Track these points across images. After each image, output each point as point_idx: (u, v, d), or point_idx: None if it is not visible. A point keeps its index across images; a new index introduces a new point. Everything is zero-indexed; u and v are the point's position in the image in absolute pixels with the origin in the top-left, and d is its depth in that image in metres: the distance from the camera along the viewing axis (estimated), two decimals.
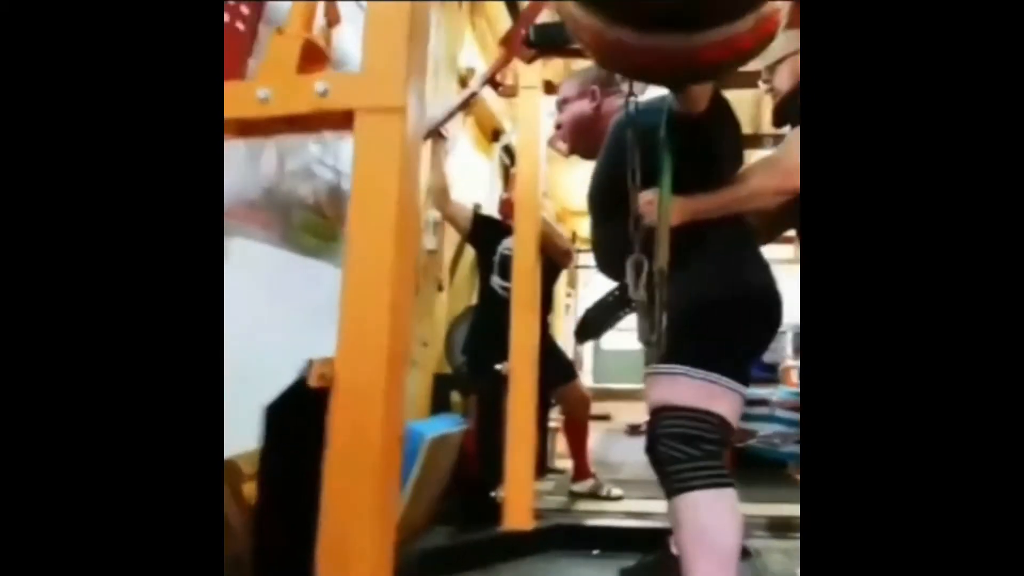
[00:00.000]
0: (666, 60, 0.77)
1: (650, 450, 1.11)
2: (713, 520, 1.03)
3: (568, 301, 5.02)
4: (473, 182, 2.81)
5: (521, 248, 1.90)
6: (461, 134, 2.45)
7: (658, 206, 1.05)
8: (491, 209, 2.63)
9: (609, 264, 1.32)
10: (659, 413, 1.10)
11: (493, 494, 1.80)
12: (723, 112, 1.10)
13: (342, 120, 0.94)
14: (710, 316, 1.12)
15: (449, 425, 1.96)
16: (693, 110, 1.03)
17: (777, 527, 1.98)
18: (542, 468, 2.80)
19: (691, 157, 1.08)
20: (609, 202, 1.22)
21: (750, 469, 2.56)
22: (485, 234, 2.32)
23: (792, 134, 1.23)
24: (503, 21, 2.57)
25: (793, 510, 2.06)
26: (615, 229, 1.16)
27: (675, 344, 1.09)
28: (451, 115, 2.10)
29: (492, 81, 2.13)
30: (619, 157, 1.14)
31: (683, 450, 1.05)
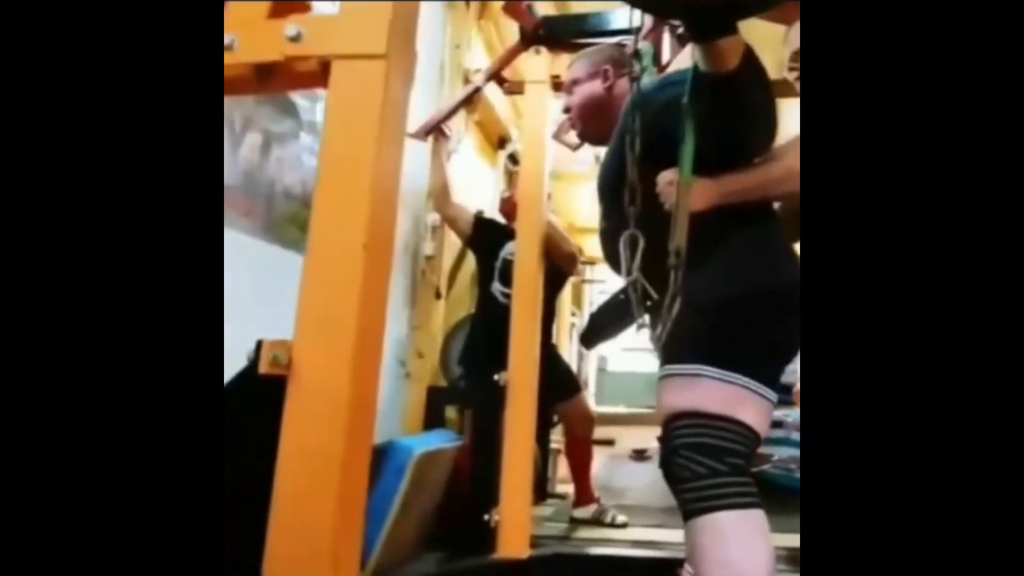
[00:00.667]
0: None
1: (665, 465, 0.96)
2: (739, 548, 0.88)
3: (573, 320, 4.87)
4: (476, 190, 2.70)
5: (524, 249, 1.78)
6: (466, 138, 2.34)
7: (679, 177, 0.91)
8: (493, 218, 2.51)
9: (616, 256, 1.20)
10: (675, 421, 0.96)
11: (487, 517, 1.65)
12: (756, 71, 0.95)
13: (318, 74, 0.83)
14: (736, 313, 0.98)
15: (442, 441, 1.82)
16: (723, 68, 0.88)
17: (796, 560, 1.80)
18: (542, 493, 2.63)
19: (720, 124, 0.94)
20: (618, 192, 1.10)
21: (764, 496, 2.39)
22: (487, 238, 2.20)
23: None
24: (510, 23, 2.49)
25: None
26: (621, 219, 1.04)
27: (695, 342, 0.97)
28: (454, 111, 2.00)
29: (498, 77, 2.03)
30: (637, 132, 1.02)
31: (705, 463, 0.91)
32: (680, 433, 0.94)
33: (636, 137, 0.97)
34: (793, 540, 1.92)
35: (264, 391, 0.72)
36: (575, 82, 1.37)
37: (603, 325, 1.09)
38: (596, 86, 1.33)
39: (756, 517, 0.90)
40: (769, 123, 1.05)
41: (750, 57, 0.90)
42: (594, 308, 1.18)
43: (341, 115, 0.80)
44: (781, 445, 2.73)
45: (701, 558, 0.90)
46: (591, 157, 2.96)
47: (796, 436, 2.71)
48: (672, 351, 0.99)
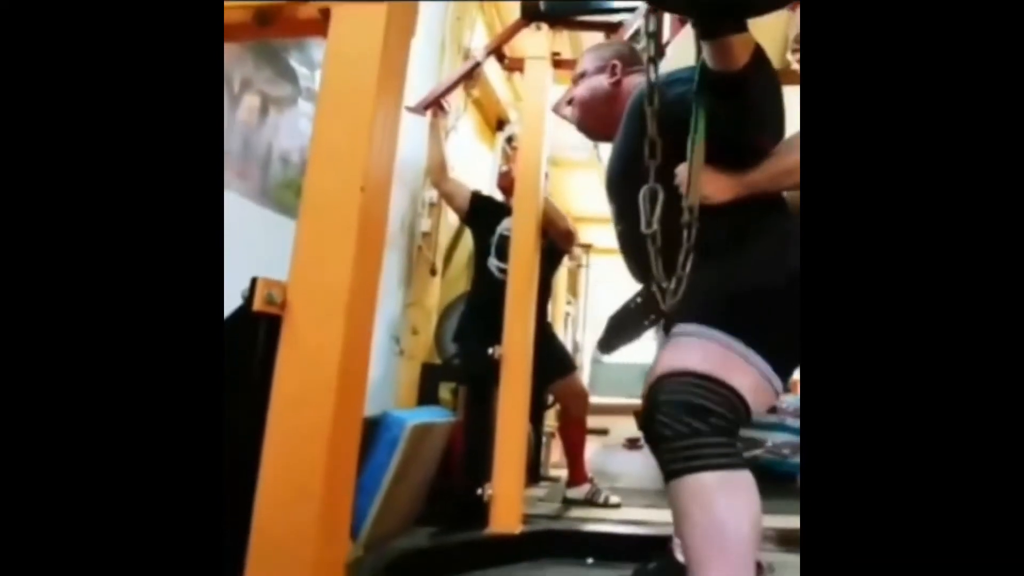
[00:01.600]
0: None
1: (646, 422, 0.93)
2: (726, 510, 0.85)
3: (568, 309, 4.87)
4: (474, 172, 2.69)
5: (521, 224, 1.78)
6: (464, 117, 2.33)
7: (690, 137, 0.91)
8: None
9: (635, 258, 1.19)
10: (661, 380, 0.94)
11: (480, 491, 1.64)
12: (765, 69, 0.94)
13: (318, 21, 0.82)
14: (746, 300, 0.98)
15: (435, 416, 1.81)
16: (732, 66, 0.87)
17: (791, 540, 1.81)
18: (535, 475, 2.63)
19: (729, 121, 0.94)
20: (631, 189, 1.09)
21: (758, 481, 2.40)
22: (484, 215, 2.20)
23: None
24: (512, 4, 2.47)
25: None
26: (637, 218, 1.04)
27: (708, 308, 0.97)
28: (453, 86, 1.99)
29: (498, 52, 2.02)
30: (639, 135, 1.01)
31: (687, 422, 0.87)
32: (664, 389, 0.92)
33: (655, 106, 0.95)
34: (788, 522, 1.94)
35: (255, 331, 0.72)
36: (582, 75, 1.36)
37: (620, 330, 1.07)
38: (602, 80, 1.32)
39: (740, 478, 0.87)
40: (778, 119, 1.05)
41: (759, 54, 0.89)
42: (603, 312, 1.16)
43: (340, 61, 0.79)
44: (775, 431, 2.73)
45: (684, 519, 0.87)
46: (589, 144, 2.96)
47: (790, 422, 2.71)
48: (683, 316, 0.99)
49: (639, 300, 1.07)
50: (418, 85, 2.04)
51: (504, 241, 1.97)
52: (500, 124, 3.01)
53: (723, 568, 0.83)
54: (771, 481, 2.60)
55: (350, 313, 0.72)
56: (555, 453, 2.99)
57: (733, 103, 0.92)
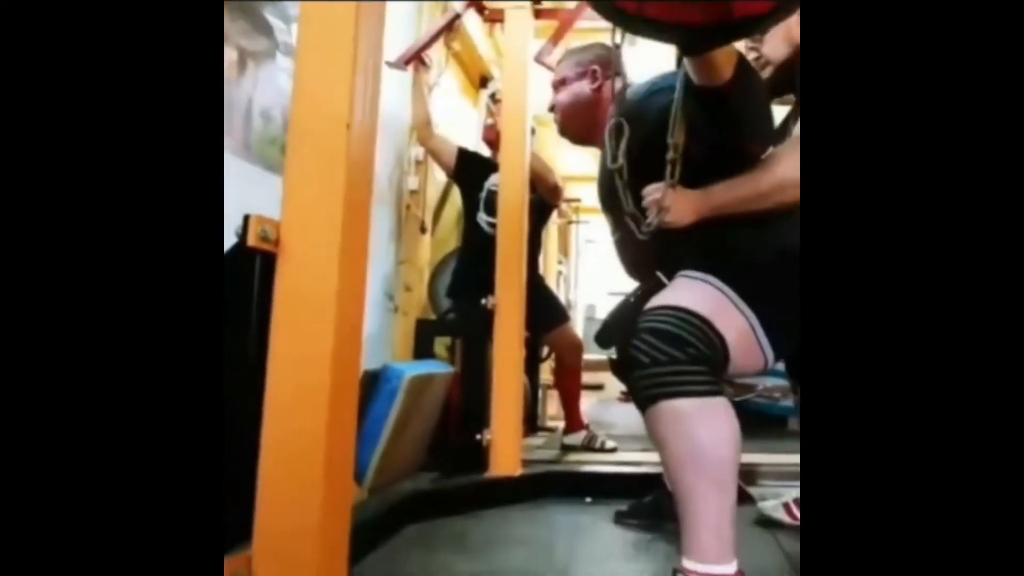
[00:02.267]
0: (692, 10, 0.64)
1: (624, 349, 0.93)
2: (704, 435, 0.85)
3: (560, 268, 4.89)
4: (459, 130, 2.67)
5: (508, 176, 1.78)
6: (447, 72, 2.30)
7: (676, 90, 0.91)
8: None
9: (633, 263, 1.24)
10: (646, 312, 0.95)
11: (479, 437, 1.69)
12: (751, 81, 0.94)
13: None
14: (741, 264, 1.00)
15: (433, 368, 1.85)
16: (715, 81, 0.87)
17: (782, 476, 1.88)
18: (533, 426, 2.69)
19: (713, 134, 0.95)
20: (622, 204, 1.09)
21: (750, 424, 2.47)
22: (471, 171, 2.19)
23: None
24: None
25: (794, 459, 1.97)
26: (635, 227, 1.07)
27: (712, 259, 0.99)
28: (434, 39, 1.96)
29: (477, 4, 1.99)
30: (630, 146, 1.02)
31: (664, 350, 0.88)
32: (646, 319, 0.93)
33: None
34: (779, 459, 2.00)
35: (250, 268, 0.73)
36: (563, 81, 1.36)
37: (617, 327, 1.08)
38: (584, 86, 1.32)
39: (717, 403, 0.88)
40: (764, 130, 1.05)
41: (743, 65, 0.88)
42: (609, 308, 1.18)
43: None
44: (767, 375, 2.80)
45: (664, 447, 0.88)
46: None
47: (779, 366, 2.77)
48: (685, 265, 1.02)
49: (635, 297, 1.08)
50: (398, 41, 2.01)
51: (492, 196, 1.98)
52: (484, 81, 2.98)
53: (706, 491, 0.85)
54: (764, 423, 2.69)
55: (344, 249, 0.74)
56: (552, 406, 3.05)
57: (720, 114, 0.93)
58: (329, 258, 0.73)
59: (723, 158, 1.01)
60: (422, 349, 2.02)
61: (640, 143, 0.98)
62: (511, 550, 1.26)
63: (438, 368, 1.87)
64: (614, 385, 4.81)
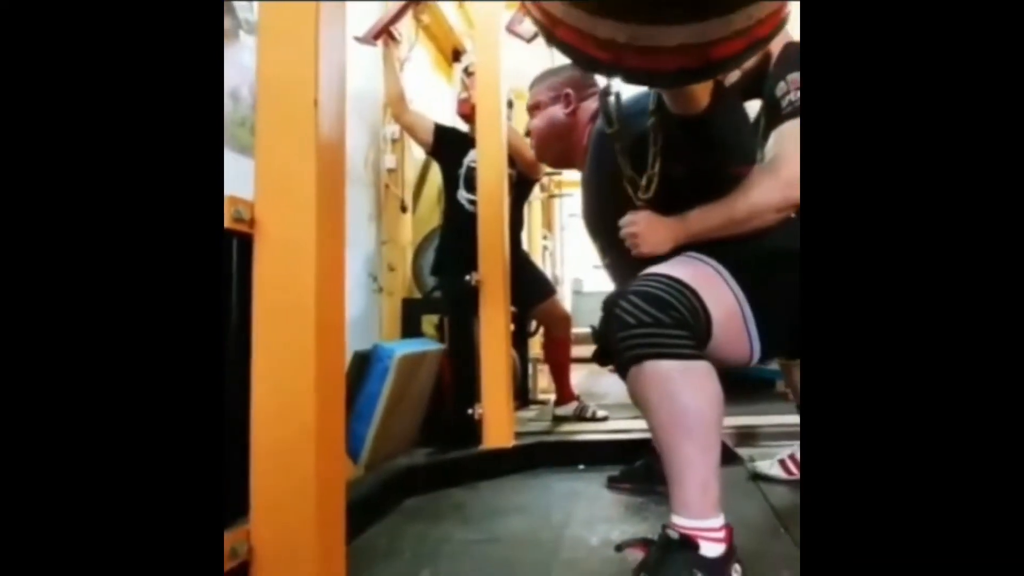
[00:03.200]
0: (668, 59, 0.62)
1: (608, 309, 0.93)
2: (687, 396, 0.86)
3: (546, 243, 4.89)
4: (435, 108, 2.64)
5: (486, 151, 1.77)
6: (418, 46, 2.26)
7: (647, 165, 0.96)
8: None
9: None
10: (635, 279, 0.95)
11: (470, 411, 1.71)
12: (728, 105, 0.93)
13: None
14: (735, 265, 0.99)
15: (424, 346, 1.85)
16: (693, 110, 0.87)
17: (773, 436, 1.92)
18: (524, 399, 2.72)
19: (693, 161, 0.95)
20: (612, 223, 1.09)
21: (739, 388, 2.51)
22: (449, 147, 2.17)
23: (784, 131, 1.05)
24: None
25: (783, 419, 2.02)
26: (624, 248, 1.07)
27: (712, 249, 1.00)
28: (402, 11, 1.92)
29: None
30: (613, 169, 1.03)
31: (648, 311, 0.88)
32: (634, 284, 0.93)
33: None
34: (767, 420, 2.04)
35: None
36: (536, 106, 1.34)
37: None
38: (557, 111, 1.31)
39: (699, 366, 0.88)
40: (745, 150, 1.04)
41: (719, 92, 0.88)
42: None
43: None
44: None
45: (648, 409, 0.89)
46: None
47: None
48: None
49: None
50: (367, 15, 1.97)
51: (472, 173, 1.96)
52: (456, 55, 2.93)
53: (690, 451, 0.85)
54: (750, 386, 2.73)
55: (321, 225, 0.73)
56: (543, 380, 3.08)
57: (699, 139, 0.93)
58: (306, 235, 0.73)
59: (705, 179, 1.01)
60: (409, 328, 2.03)
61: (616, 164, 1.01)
62: (509, 517, 1.28)
63: (428, 346, 1.88)
64: None
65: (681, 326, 0.88)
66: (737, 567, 0.85)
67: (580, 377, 3.77)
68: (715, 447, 0.87)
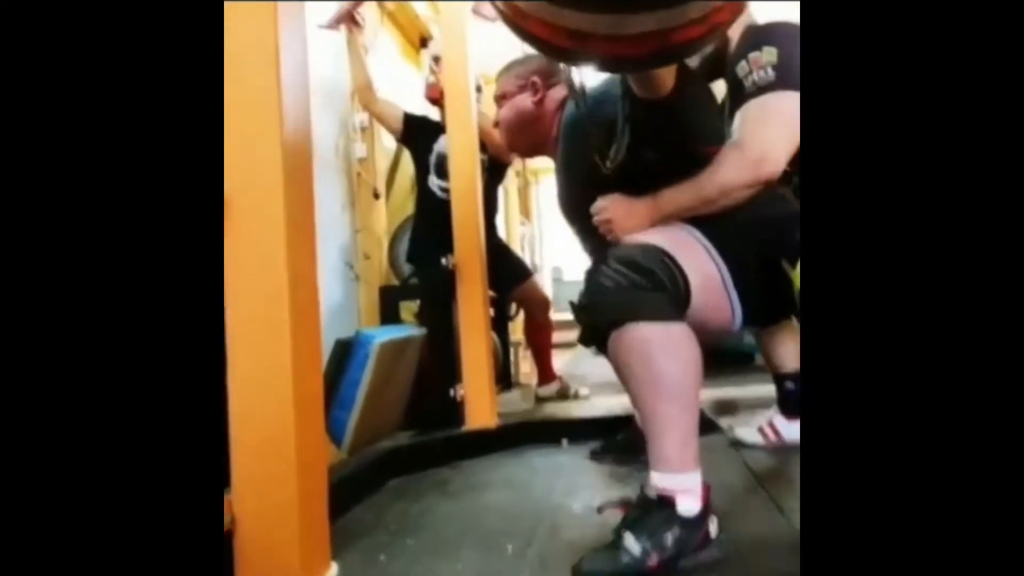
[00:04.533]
0: (632, 45, 0.63)
1: (590, 275, 0.94)
2: (666, 360, 0.87)
3: (523, 230, 4.89)
4: (404, 96, 2.62)
5: (456, 136, 1.77)
6: (383, 33, 2.25)
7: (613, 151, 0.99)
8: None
9: None
10: (615, 248, 0.97)
11: (452, 393, 1.72)
12: (693, 87, 0.94)
13: None
14: (713, 231, 1.01)
15: (404, 332, 1.86)
16: (658, 93, 0.88)
17: (754, 406, 1.96)
18: (507, 383, 2.73)
19: (663, 144, 0.96)
20: (588, 208, 1.10)
21: (718, 362, 2.55)
22: (419, 134, 2.17)
23: (749, 110, 1.05)
24: None
25: (761, 390, 2.06)
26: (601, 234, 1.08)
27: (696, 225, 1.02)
28: None
29: None
30: (585, 156, 1.04)
31: (628, 275, 0.90)
32: (614, 251, 0.95)
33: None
34: (744, 392, 2.07)
35: None
36: (503, 96, 1.34)
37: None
38: (525, 100, 1.31)
39: (678, 329, 0.90)
40: (713, 130, 1.05)
41: (683, 74, 0.89)
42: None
43: None
44: None
45: (627, 373, 0.90)
46: (522, 53, 2.89)
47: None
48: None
49: None
50: (329, 4, 1.95)
51: (442, 159, 1.96)
52: (424, 42, 2.92)
53: (669, 412, 0.87)
54: (731, 360, 2.78)
55: (288, 198, 0.74)
56: (526, 365, 3.10)
57: (666, 122, 0.94)
58: (275, 211, 0.73)
59: (676, 161, 1.02)
60: (388, 315, 2.03)
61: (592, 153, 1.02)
62: (493, 490, 1.30)
63: (410, 332, 1.88)
64: None
65: (659, 288, 0.90)
66: (713, 519, 0.88)
67: (562, 359, 3.80)
68: (694, 407, 0.89)
